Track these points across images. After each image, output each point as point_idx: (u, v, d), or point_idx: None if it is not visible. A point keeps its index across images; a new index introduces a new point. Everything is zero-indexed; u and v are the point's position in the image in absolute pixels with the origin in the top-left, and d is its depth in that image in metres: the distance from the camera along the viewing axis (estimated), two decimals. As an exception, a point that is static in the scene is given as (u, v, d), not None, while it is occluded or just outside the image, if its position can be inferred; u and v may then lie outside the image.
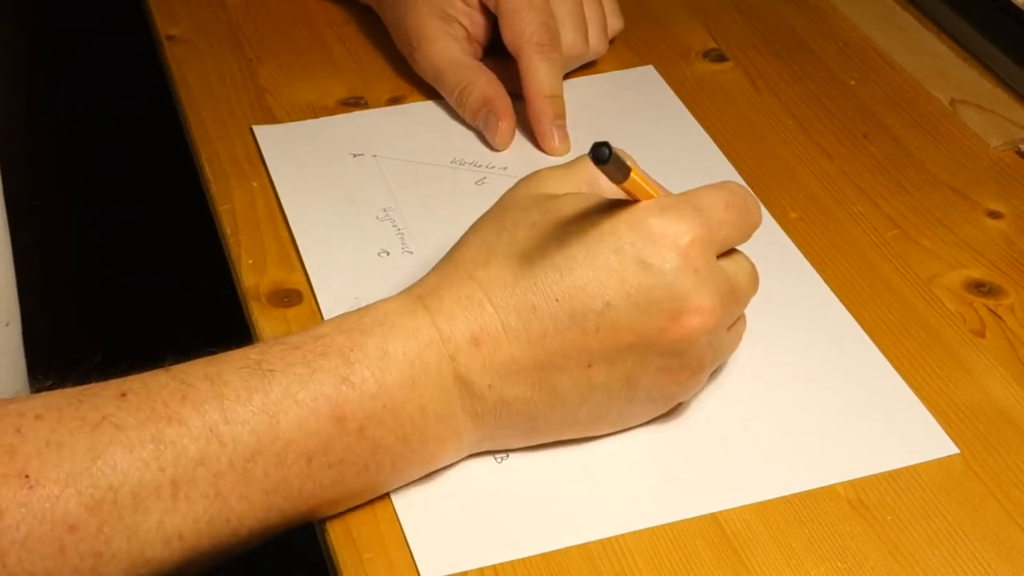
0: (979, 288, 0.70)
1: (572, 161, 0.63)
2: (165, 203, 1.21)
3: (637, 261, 0.57)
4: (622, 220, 0.58)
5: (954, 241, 0.73)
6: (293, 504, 0.54)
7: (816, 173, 0.78)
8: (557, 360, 0.57)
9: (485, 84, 0.80)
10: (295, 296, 0.69)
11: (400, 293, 0.59)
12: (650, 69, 0.86)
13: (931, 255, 0.72)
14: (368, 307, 0.58)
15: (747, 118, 0.82)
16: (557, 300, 0.56)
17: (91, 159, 1.29)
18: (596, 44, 0.84)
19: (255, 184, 0.77)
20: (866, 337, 0.67)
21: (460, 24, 0.82)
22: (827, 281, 0.70)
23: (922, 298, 0.70)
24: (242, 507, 0.53)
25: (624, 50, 0.88)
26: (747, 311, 0.66)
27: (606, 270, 0.57)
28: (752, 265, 0.62)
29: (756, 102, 0.84)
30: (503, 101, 0.79)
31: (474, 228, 0.61)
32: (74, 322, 1.30)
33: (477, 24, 0.83)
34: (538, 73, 0.79)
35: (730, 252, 0.61)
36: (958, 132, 0.81)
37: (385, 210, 0.74)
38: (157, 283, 1.30)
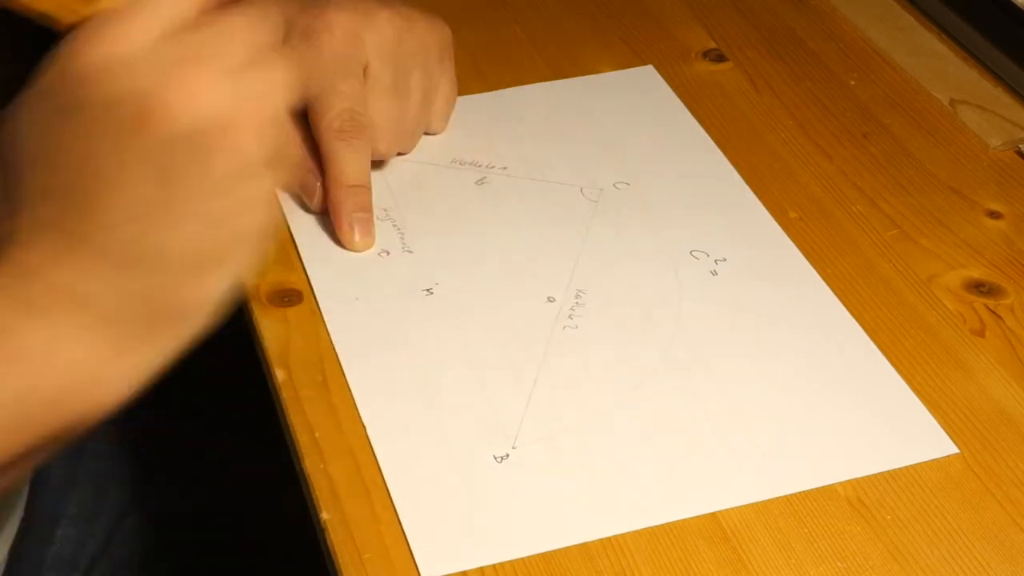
0: (979, 288, 0.70)
1: None
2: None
3: None
4: None
5: (954, 241, 0.73)
6: None
7: (816, 173, 0.78)
8: None
9: (299, 145, 0.72)
10: (295, 296, 0.69)
11: None
12: (650, 69, 0.86)
13: (931, 255, 0.72)
14: None
15: (747, 118, 0.82)
16: None
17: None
18: (406, 147, 0.78)
19: (255, 184, 0.77)
20: (866, 337, 0.67)
21: None
22: (827, 281, 0.70)
23: (922, 298, 0.70)
24: None
25: (624, 50, 0.88)
26: (749, 312, 0.66)
27: None
28: None
29: (756, 102, 0.84)
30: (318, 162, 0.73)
31: None
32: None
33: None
34: (337, 161, 0.72)
35: None
36: (958, 132, 0.81)
37: (385, 210, 0.74)
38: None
